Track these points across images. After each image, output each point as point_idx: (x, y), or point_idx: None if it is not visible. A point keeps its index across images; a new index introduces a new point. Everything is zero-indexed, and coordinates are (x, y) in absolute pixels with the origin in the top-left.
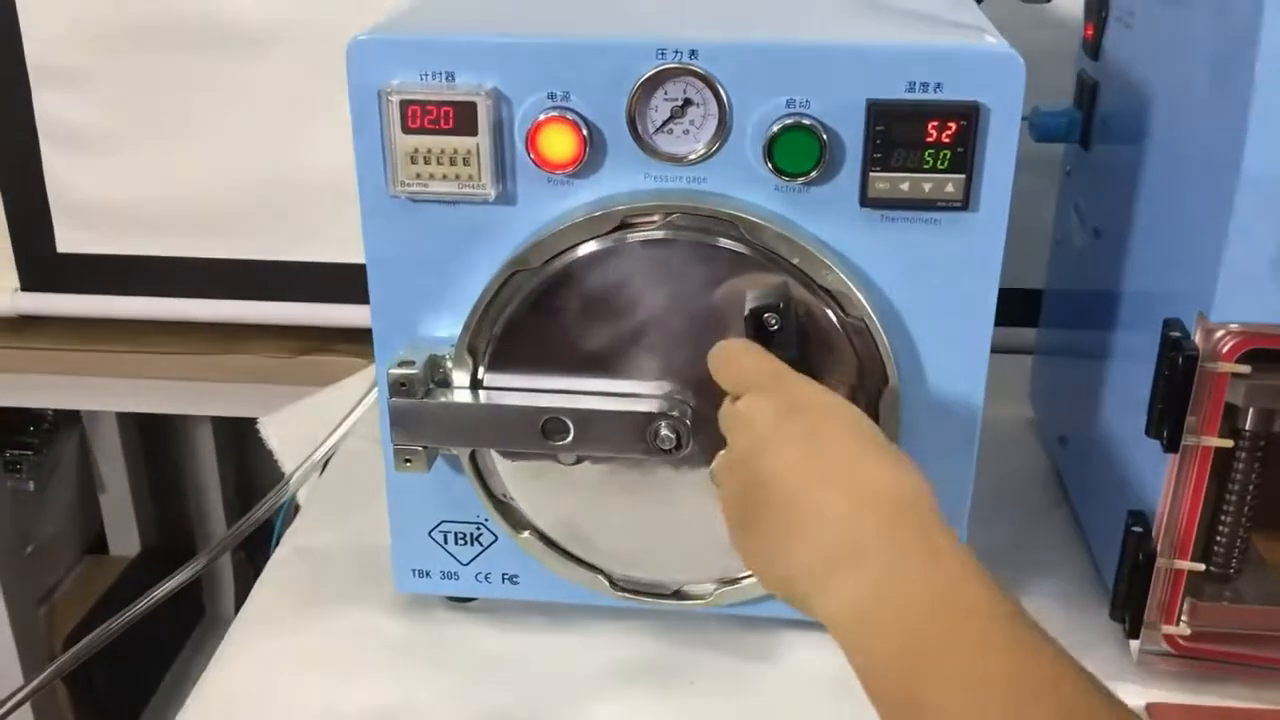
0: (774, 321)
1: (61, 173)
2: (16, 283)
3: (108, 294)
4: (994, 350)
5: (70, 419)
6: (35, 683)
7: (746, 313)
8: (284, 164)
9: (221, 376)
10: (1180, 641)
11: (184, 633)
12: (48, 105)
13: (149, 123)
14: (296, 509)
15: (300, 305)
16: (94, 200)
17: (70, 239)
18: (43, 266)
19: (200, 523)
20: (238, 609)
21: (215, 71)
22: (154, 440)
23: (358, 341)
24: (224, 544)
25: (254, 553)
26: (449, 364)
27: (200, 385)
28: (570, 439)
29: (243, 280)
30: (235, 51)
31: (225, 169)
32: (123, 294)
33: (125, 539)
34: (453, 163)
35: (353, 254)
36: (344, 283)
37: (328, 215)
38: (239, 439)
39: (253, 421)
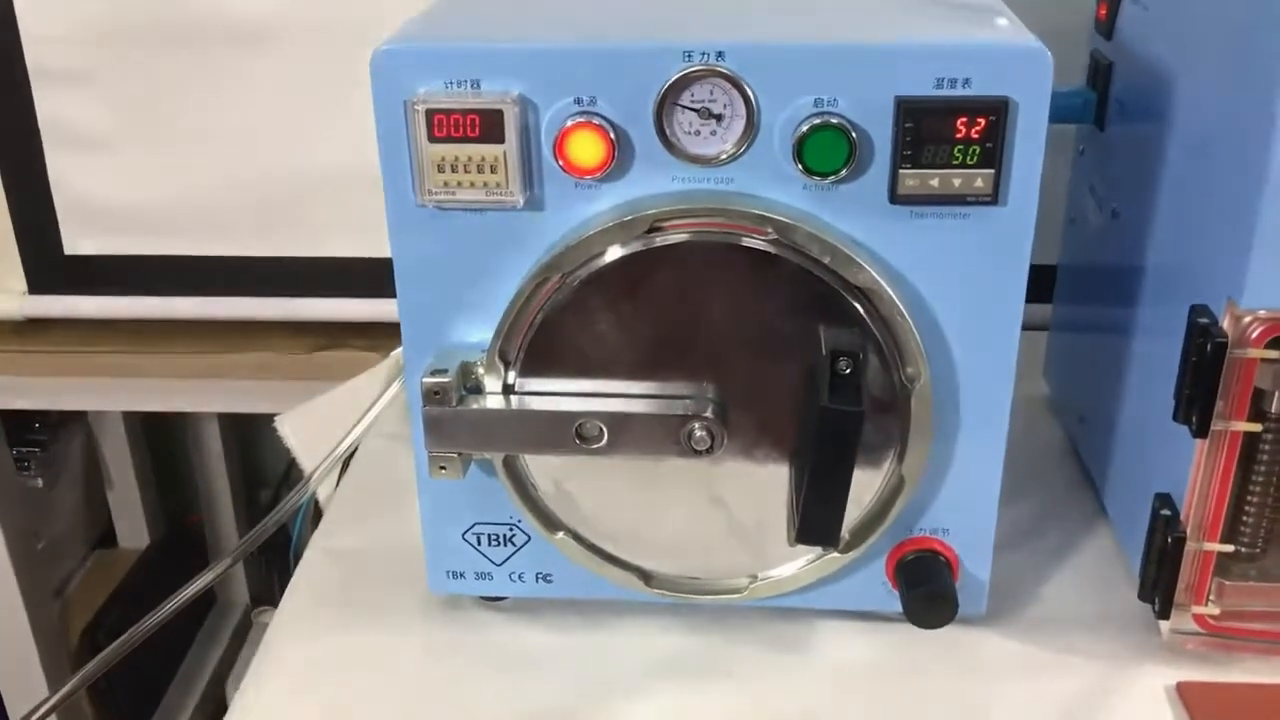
0: (846, 367)
1: (66, 174)
2: (24, 285)
3: (116, 295)
4: None
5: (76, 414)
6: (60, 694)
7: (824, 350)
8: (291, 160)
9: (233, 374)
10: (1210, 621)
11: (197, 620)
12: (50, 106)
13: (153, 121)
14: (316, 506)
15: (310, 301)
16: (100, 201)
17: (77, 241)
18: (50, 269)
19: (209, 515)
20: (250, 596)
21: (220, 68)
22: (160, 434)
23: (370, 336)
24: (246, 546)
25: (266, 543)
26: (481, 370)
27: (212, 383)
28: (604, 442)
29: (251, 277)
30: (240, 48)
31: (231, 166)
32: (131, 294)
33: (134, 533)
34: (480, 170)
35: (361, 248)
36: (354, 277)
37: (336, 210)
38: (244, 430)
39: (260, 416)
